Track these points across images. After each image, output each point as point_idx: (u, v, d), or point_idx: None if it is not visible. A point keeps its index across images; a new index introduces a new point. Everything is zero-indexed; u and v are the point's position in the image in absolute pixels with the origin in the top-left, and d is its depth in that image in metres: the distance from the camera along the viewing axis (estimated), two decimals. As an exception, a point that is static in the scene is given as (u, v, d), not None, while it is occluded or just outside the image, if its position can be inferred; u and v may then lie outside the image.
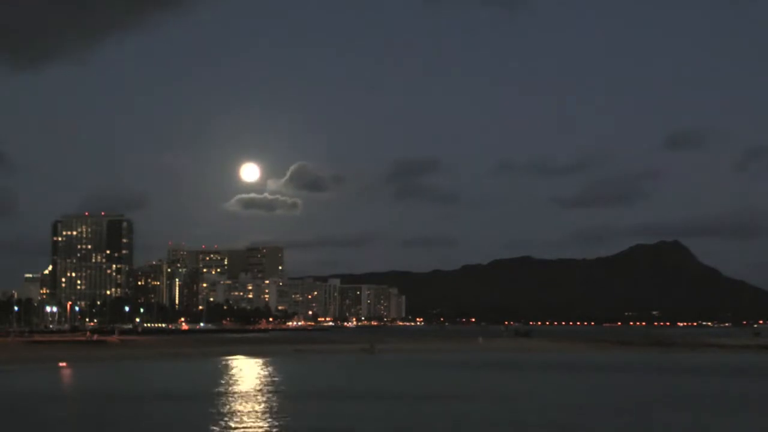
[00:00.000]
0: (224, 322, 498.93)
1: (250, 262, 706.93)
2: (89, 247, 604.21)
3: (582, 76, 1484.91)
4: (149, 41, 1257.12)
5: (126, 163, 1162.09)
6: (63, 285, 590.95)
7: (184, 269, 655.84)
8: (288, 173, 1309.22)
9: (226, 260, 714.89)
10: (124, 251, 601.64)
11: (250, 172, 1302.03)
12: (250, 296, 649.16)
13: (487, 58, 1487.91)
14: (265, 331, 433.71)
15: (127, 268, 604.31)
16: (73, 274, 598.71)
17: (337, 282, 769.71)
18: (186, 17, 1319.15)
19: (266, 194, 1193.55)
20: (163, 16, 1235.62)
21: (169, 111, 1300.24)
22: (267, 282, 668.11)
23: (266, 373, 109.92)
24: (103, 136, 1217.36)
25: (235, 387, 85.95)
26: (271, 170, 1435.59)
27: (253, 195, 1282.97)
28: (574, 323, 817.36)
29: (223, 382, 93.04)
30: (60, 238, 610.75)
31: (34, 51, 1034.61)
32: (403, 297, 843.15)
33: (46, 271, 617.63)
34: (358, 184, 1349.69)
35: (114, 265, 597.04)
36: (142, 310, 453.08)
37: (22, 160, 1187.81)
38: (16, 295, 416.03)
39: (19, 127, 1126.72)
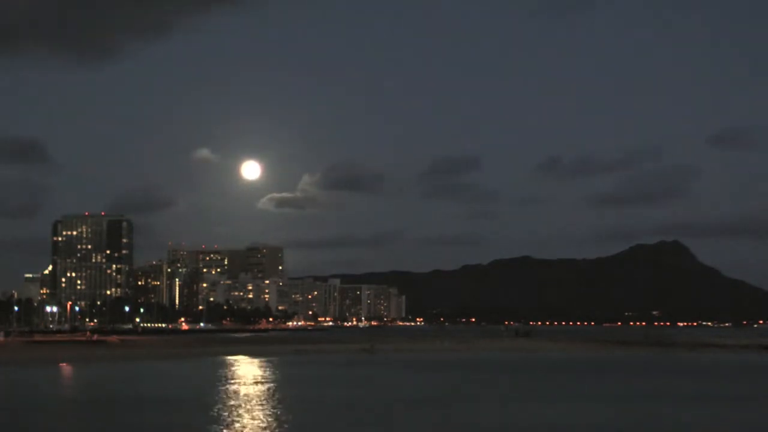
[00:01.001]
0: (224, 322, 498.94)
1: (250, 262, 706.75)
2: (89, 247, 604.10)
3: (626, 73, 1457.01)
4: (183, 42, 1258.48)
5: (159, 161, 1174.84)
6: (63, 285, 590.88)
7: (184, 269, 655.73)
8: (323, 171, 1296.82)
9: (226, 260, 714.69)
10: (124, 251, 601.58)
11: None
12: (250, 296, 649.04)
13: (529, 56, 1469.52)
14: (265, 331, 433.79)
15: (127, 268, 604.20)
16: (73, 274, 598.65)
17: (337, 282, 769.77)
18: (222, 18, 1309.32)
19: (298, 192, 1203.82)
20: (195, 20, 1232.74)
21: (201, 110, 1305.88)
22: (267, 282, 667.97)
23: (265, 374, 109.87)
24: (138, 134, 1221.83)
25: (233, 390, 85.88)
26: (305, 168, 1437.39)
27: (285, 194, 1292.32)
28: (574, 323, 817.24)
29: (222, 384, 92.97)
30: (60, 238, 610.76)
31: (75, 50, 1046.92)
32: (403, 297, 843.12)
33: (46, 271, 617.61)
34: (394, 183, 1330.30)
35: (114, 265, 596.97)
36: (142, 310, 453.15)
37: (61, 158, 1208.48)
38: (16, 295, 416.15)
39: (59, 124, 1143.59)
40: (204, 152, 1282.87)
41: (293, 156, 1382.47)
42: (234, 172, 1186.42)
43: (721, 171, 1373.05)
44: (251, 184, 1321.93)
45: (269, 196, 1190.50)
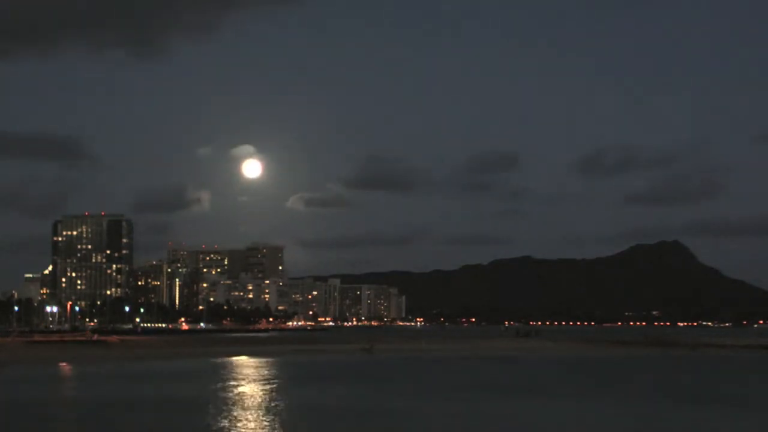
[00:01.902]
0: (224, 322, 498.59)
1: (250, 262, 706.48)
2: (89, 247, 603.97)
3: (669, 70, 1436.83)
4: (224, 40, 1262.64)
5: (193, 159, 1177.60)
6: (63, 285, 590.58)
7: (185, 269, 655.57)
8: (354, 170, 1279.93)
9: (226, 260, 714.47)
10: (124, 251, 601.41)
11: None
12: (251, 296, 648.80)
13: (569, 52, 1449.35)
14: (266, 331, 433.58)
15: (127, 268, 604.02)
16: (73, 274, 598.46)
17: (337, 282, 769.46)
18: (260, 17, 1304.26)
19: (327, 191, 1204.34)
20: (238, 18, 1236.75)
21: (236, 108, 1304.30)
22: (267, 282, 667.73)
23: (265, 374, 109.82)
24: (171, 132, 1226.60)
25: (233, 390, 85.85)
26: (336, 167, 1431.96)
27: (314, 193, 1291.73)
28: (574, 323, 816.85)
29: (221, 384, 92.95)
30: (60, 238, 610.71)
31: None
32: (403, 297, 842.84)
33: (46, 271, 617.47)
34: (427, 181, 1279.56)
35: (114, 265, 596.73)
36: (142, 310, 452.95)
37: (97, 152, 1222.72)
38: (16, 295, 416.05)
39: (99, 122, 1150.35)
40: (244, 150, 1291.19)
41: (323, 154, 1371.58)
42: (266, 170, 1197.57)
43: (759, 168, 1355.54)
44: (280, 183, 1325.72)
45: (298, 194, 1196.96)
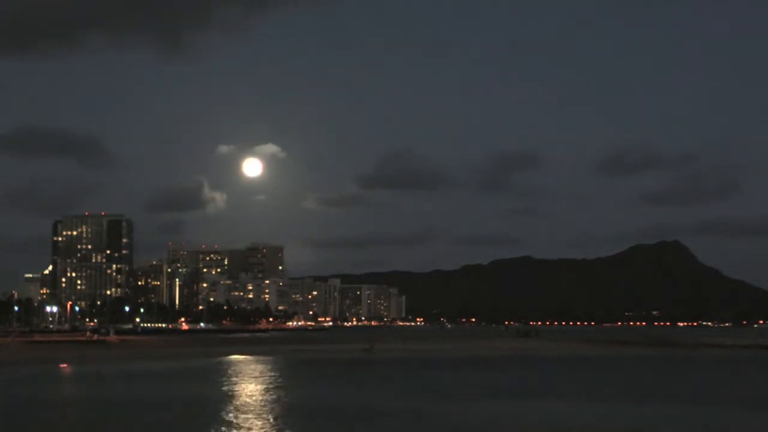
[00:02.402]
0: (224, 322, 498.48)
1: (250, 262, 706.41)
2: (89, 247, 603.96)
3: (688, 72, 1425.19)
4: (248, 40, 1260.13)
5: (210, 158, 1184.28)
6: (63, 285, 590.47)
7: (184, 269, 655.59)
8: (374, 169, 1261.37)
9: (226, 260, 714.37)
10: (124, 251, 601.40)
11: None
12: (250, 296, 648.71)
13: (593, 53, 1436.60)
14: (266, 331, 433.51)
15: (127, 268, 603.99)
16: (73, 274, 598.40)
17: (337, 282, 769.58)
18: (286, 14, 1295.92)
19: (344, 190, 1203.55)
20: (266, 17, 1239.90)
21: (257, 108, 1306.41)
22: (267, 282, 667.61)
23: (265, 374, 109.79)
24: (192, 130, 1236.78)
25: (233, 390, 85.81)
26: (355, 166, 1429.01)
27: (331, 192, 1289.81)
28: (574, 323, 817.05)
29: (221, 385, 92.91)
30: (60, 238, 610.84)
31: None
32: (403, 297, 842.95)
33: (46, 271, 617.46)
34: (447, 180, 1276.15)
35: (114, 265, 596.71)
36: (142, 310, 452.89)
37: (117, 151, 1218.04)
38: (16, 295, 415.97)
39: (118, 119, 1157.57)
40: (264, 149, 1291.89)
41: (343, 153, 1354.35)
42: (285, 168, 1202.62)
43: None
44: (298, 181, 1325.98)
45: (315, 193, 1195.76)
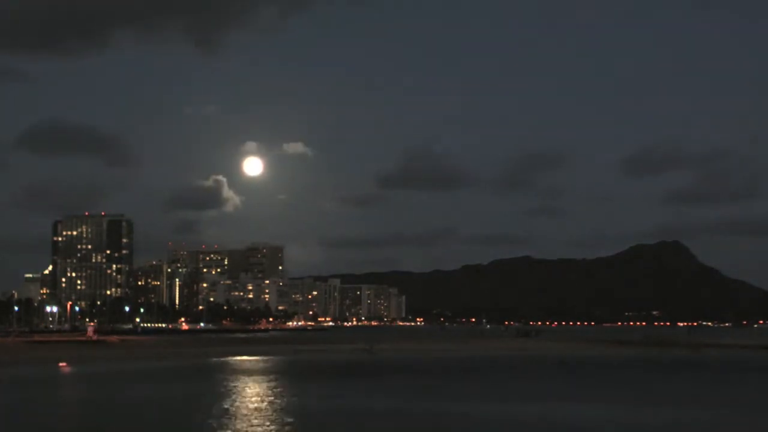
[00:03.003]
0: (224, 322, 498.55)
1: (250, 262, 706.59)
2: (89, 247, 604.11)
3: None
4: (275, 39, 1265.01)
5: (233, 156, 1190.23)
6: (63, 285, 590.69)
7: (184, 269, 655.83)
8: (398, 168, 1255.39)
9: (226, 260, 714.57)
10: (124, 251, 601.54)
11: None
12: (250, 296, 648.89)
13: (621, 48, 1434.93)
14: (265, 331, 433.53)
15: (127, 268, 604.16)
16: (73, 274, 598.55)
17: (337, 282, 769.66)
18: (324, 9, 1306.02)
19: (365, 190, 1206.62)
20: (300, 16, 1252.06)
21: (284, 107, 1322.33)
22: (267, 282, 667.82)
23: (265, 374, 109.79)
24: (214, 128, 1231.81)
25: (232, 390, 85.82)
26: (378, 165, 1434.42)
27: (352, 191, 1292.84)
28: (574, 323, 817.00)
29: (221, 385, 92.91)
30: (60, 238, 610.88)
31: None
32: (403, 297, 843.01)
33: (46, 271, 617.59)
34: (467, 179, 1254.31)
35: (114, 265, 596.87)
36: (142, 310, 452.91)
37: (140, 149, 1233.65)
38: (16, 295, 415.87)
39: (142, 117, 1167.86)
40: (295, 146, 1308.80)
41: (365, 152, 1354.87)
42: (307, 168, 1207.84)
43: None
44: (319, 181, 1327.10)
45: (336, 193, 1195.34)
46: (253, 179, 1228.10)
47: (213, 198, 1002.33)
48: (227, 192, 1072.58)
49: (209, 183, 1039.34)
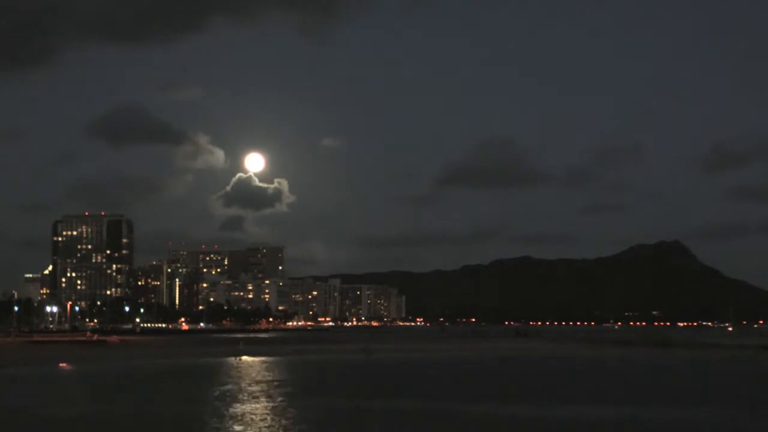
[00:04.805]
0: (224, 322, 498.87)
1: (250, 262, 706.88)
2: (89, 247, 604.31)
3: None
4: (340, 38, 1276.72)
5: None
6: (63, 285, 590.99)
7: (184, 269, 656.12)
8: (454, 166, 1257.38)
9: (226, 260, 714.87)
10: (124, 251, 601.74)
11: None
12: (250, 296, 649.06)
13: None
14: (265, 331, 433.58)
15: (127, 268, 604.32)
16: (73, 274, 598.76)
17: (337, 282, 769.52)
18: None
19: (420, 189, 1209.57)
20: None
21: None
22: (267, 282, 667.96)
23: (265, 374, 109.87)
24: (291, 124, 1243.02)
25: (232, 390, 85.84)
26: (430, 163, 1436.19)
27: (406, 190, 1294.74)
28: (574, 323, 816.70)
29: (220, 385, 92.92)
30: (60, 238, 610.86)
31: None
32: (403, 297, 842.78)
33: (46, 271, 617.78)
34: (529, 176, 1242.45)
35: (114, 265, 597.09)
36: (142, 310, 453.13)
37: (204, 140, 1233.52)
38: (16, 295, 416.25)
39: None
40: (330, 141, 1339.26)
41: (416, 149, 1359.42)
42: (359, 163, 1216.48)
43: None
44: (366, 178, 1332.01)
45: (390, 191, 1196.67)
46: (306, 178, 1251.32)
47: (265, 196, 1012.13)
48: (276, 190, 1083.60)
49: (264, 180, 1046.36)
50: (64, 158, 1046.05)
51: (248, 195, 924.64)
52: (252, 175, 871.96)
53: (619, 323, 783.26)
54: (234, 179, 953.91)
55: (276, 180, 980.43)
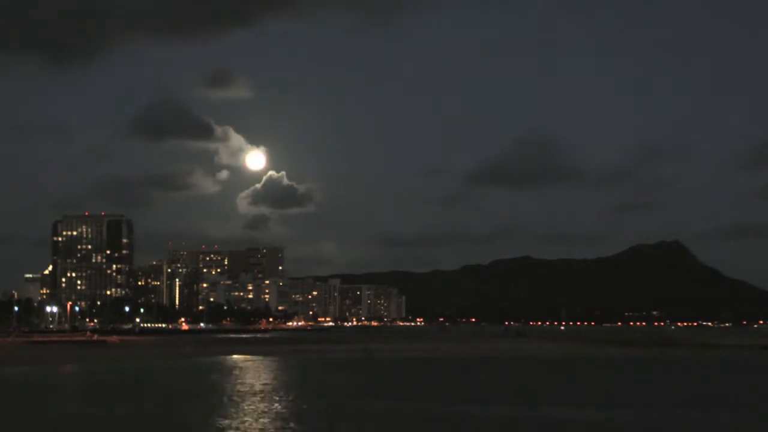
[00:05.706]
0: (224, 322, 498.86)
1: (250, 262, 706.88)
2: (89, 247, 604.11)
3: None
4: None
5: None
6: (63, 285, 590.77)
7: (184, 269, 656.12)
8: (487, 166, 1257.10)
9: (226, 260, 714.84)
10: (124, 251, 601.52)
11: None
12: (250, 296, 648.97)
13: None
14: (265, 331, 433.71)
15: (127, 268, 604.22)
16: (73, 274, 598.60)
17: (337, 282, 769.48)
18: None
19: (451, 187, 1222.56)
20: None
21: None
22: (267, 282, 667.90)
23: (265, 374, 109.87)
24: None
25: (232, 390, 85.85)
26: (460, 161, 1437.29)
27: (438, 189, 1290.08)
28: (574, 323, 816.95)
29: (220, 385, 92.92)
30: (60, 238, 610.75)
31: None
32: (403, 297, 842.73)
33: (46, 271, 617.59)
34: (560, 175, 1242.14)
35: (114, 265, 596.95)
36: (142, 310, 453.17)
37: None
38: (16, 295, 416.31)
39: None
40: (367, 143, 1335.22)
41: (447, 148, 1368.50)
42: (389, 163, 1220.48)
43: None
44: (408, 178, 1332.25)
45: (420, 191, 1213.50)
46: (338, 179, 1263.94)
47: (292, 196, 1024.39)
48: (303, 190, 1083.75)
49: (292, 180, 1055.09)
50: (98, 155, 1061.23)
51: (276, 194, 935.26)
52: (284, 174, 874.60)
53: (619, 323, 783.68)
54: (265, 177, 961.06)
55: (307, 181, 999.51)
